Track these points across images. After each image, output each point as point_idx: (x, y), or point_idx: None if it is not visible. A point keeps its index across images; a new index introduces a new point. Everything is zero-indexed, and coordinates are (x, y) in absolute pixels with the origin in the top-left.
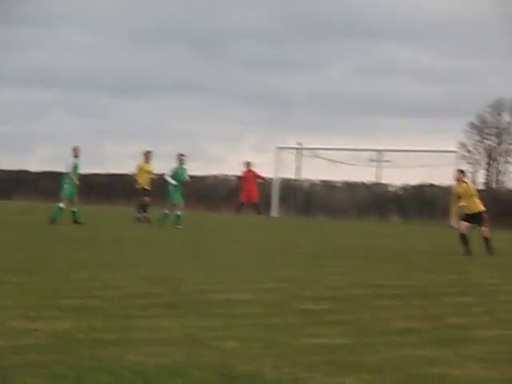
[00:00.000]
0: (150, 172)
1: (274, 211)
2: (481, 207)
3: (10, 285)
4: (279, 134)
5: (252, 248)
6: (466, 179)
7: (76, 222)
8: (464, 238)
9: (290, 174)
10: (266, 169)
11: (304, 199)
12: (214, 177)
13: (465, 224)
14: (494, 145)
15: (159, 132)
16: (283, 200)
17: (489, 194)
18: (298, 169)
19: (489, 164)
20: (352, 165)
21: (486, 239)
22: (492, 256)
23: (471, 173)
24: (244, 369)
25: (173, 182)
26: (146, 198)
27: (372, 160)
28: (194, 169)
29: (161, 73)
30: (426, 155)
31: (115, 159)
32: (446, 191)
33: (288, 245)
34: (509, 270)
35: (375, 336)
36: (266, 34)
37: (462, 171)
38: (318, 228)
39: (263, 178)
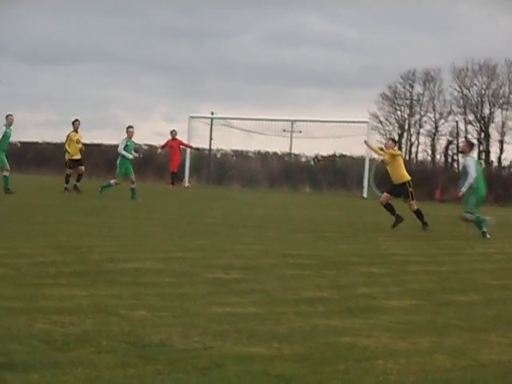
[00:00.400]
0: (78, 141)
1: (187, 181)
2: (406, 178)
3: None
4: (191, 104)
5: (162, 217)
6: (395, 148)
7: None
8: (387, 207)
9: (203, 144)
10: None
11: (217, 169)
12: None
13: (386, 196)
14: (405, 116)
15: (70, 100)
16: (196, 170)
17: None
18: (211, 138)
19: (401, 135)
20: (264, 135)
21: (415, 213)
22: (426, 229)
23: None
24: (153, 338)
25: (129, 155)
26: (81, 168)
27: (284, 130)
28: (105, 137)
29: (71, 40)
30: (338, 126)
31: (26, 127)
32: (357, 162)
33: (199, 214)
34: (420, 241)
35: (285, 305)
36: (177, 1)
37: (393, 139)
38: (230, 198)
39: (191, 146)
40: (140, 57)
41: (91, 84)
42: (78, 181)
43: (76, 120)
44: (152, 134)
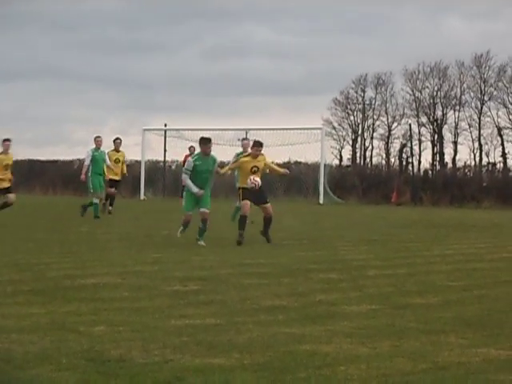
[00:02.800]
0: (118, 161)
1: (142, 194)
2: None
3: None
4: (141, 117)
5: (119, 231)
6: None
7: None
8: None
9: (156, 156)
10: (131, 151)
11: (172, 181)
12: (80, 160)
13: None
14: (358, 121)
15: (18, 118)
16: (151, 182)
17: (355, 170)
18: (165, 150)
19: (354, 140)
20: (219, 144)
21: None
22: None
23: (338, 149)
24: (113, 353)
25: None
26: (110, 190)
27: (239, 139)
28: (59, 153)
29: (17, 56)
30: (292, 133)
31: None
32: (312, 168)
33: (156, 227)
34: (376, 245)
35: (244, 315)
36: (122, 17)
37: (259, 143)
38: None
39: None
40: (88, 72)
41: (42, 100)
42: (110, 204)
43: (117, 138)
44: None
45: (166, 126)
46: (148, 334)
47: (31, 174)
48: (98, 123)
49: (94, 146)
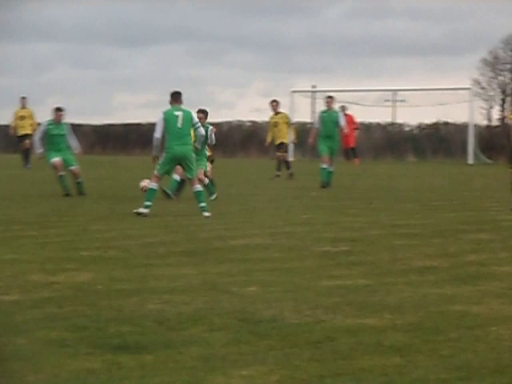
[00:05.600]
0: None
1: (290, 155)
2: None
3: (28, 238)
4: (284, 79)
5: (268, 193)
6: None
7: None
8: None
9: (303, 118)
10: None
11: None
12: (228, 123)
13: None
14: (507, 81)
15: (165, 80)
16: (299, 144)
17: (504, 130)
18: (313, 112)
19: (503, 100)
20: (366, 106)
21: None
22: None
23: (487, 110)
24: (265, 313)
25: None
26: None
27: (386, 100)
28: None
29: (161, 22)
30: (440, 93)
31: (124, 109)
32: (461, 128)
33: (305, 188)
34: None
35: (395, 276)
36: None
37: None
38: (334, 170)
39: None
40: (230, 34)
41: (185, 63)
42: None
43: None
44: (248, 111)
45: (313, 87)
46: (299, 295)
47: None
48: (242, 85)
49: (324, 108)
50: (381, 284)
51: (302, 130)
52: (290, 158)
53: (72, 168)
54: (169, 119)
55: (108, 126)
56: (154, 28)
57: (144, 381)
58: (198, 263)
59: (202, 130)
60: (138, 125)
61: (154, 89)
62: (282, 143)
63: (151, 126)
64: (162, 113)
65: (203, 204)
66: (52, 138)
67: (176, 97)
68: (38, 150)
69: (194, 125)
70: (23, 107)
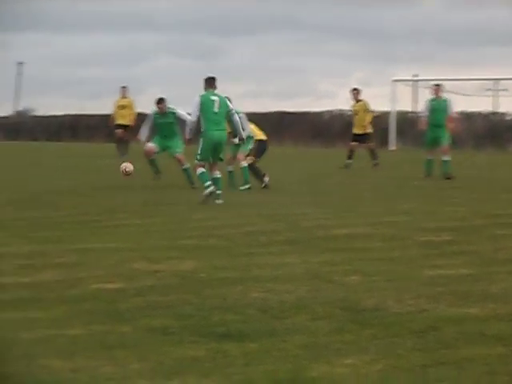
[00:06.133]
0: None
1: (392, 144)
2: None
3: (132, 227)
4: (384, 69)
5: (370, 182)
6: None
7: None
8: None
9: (404, 107)
10: (375, 102)
11: (422, 132)
12: (329, 112)
13: None
14: None
15: (266, 70)
16: (400, 133)
17: None
18: (415, 101)
19: None
20: (467, 95)
21: None
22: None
23: None
24: (367, 302)
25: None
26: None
27: (488, 89)
28: (304, 105)
29: (263, 10)
30: None
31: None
32: None
33: (406, 178)
34: None
35: (498, 265)
36: None
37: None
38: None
39: None
40: (331, 24)
41: (285, 53)
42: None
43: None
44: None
45: (414, 76)
46: (401, 284)
47: (281, 126)
48: (342, 75)
49: (432, 96)
50: (484, 273)
51: (403, 119)
52: (392, 147)
53: (176, 155)
54: (205, 103)
55: None
56: (255, 17)
57: (248, 369)
58: (301, 252)
59: (236, 117)
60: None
61: (254, 78)
62: (366, 134)
63: (252, 116)
64: (199, 96)
65: (219, 192)
66: (158, 126)
67: (210, 82)
68: (142, 137)
69: (229, 111)
70: (124, 97)
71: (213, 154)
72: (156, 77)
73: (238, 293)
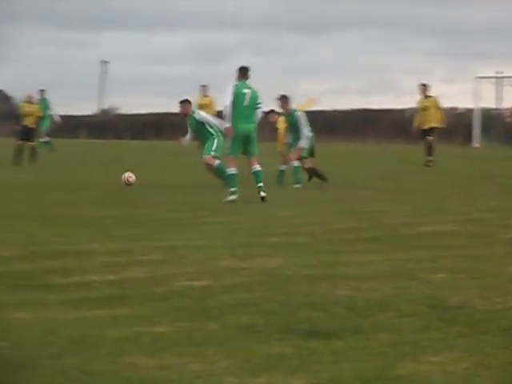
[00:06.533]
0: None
1: (476, 142)
2: None
3: (218, 225)
4: (467, 65)
5: (454, 179)
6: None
7: None
8: None
9: (488, 104)
10: (457, 99)
11: (506, 129)
12: (412, 109)
13: None
14: None
15: (348, 67)
16: (484, 130)
17: None
18: (499, 98)
19: None
20: None
21: None
22: None
23: None
24: (453, 300)
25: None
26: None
27: None
28: (386, 103)
29: (343, 9)
30: None
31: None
32: None
33: (490, 175)
34: None
35: None
36: None
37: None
38: None
39: None
40: (411, 21)
41: (366, 51)
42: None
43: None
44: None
45: (498, 73)
46: (487, 281)
47: (364, 123)
48: (425, 72)
49: None
50: None
51: (486, 116)
52: (476, 144)
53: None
54: (238, 94)
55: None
56: (335, 16)
57: (335, 366)
58: (385, 250)
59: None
60: (322, 112)
61: (336, 76)
62: (432, 128)
63: (336, 114)
64: (233, 86)
65: (261, 184)
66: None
67: (244, 72)
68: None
69: (257, 104)
70: (204, 95)
71: (244, 148)
72: None
73: (323, 290)
